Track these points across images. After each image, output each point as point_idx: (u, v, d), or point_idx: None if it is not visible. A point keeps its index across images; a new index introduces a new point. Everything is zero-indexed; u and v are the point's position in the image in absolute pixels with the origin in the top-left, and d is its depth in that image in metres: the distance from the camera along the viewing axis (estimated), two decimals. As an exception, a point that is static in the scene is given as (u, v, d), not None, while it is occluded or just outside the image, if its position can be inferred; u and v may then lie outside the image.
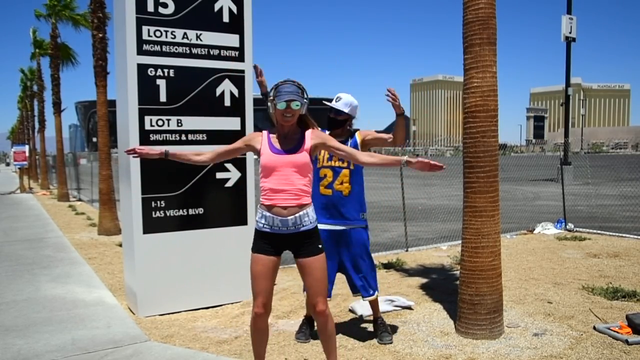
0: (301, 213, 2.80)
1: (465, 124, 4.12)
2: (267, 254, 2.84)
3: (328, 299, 4.21)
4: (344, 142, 3.99)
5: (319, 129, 3.03)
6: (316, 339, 4.02)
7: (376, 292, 4.05)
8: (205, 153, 3.06)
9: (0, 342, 4.11)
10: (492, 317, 4.00)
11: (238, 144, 3.01)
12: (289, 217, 2.78)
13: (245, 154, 5.20)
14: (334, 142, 2.99)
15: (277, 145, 2.87)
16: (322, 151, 3.99)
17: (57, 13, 17.74)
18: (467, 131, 4.09)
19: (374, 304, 4.10)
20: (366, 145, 4.04)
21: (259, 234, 2.88)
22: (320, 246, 2.88)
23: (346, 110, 3.97)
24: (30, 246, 8.55)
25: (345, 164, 3.92)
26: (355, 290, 4.05)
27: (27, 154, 24.04)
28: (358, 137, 4.04)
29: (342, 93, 4.08)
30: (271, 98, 2.84)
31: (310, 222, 2.84)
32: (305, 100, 2.87)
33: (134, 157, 3.11)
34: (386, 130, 4.57)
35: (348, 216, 3.90)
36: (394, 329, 4.24)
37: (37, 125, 27.74)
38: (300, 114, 2.88)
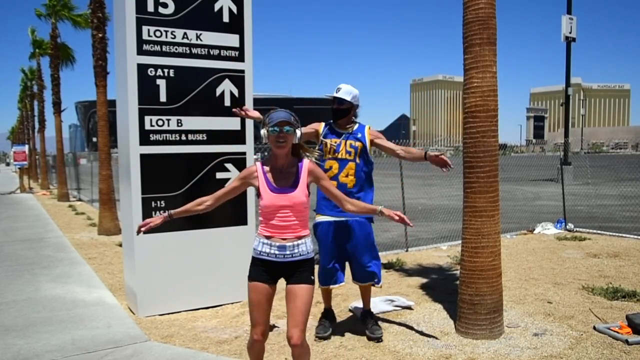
0: (299, 242, 2.82)
1: (465, 124, 4.12)
2: (264, 281, 2.84)
3: (340, 284, 4.26)
4: (355, 134, 4.06)
5: (314, 158, 2.99)
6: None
7: (380, 283, 4.15)
8: (206, 200, 3.02)
9: (0, 342, 4.11)
10: (492, 317, 4.00)
11: (235, 183, 2.95)
12: (287, 244, 2.80)
13: (245, 156, 5.21)
14: (327, 183, 2.97)
15: (273, 182, 2.82)
16: (329, 144, 4.03)
17: (56, 13, 17.74)
18: (467, 131, 4.09)
19: (368, 295, 4.18)
20: (373, 145, 4.12)
21: (255, 261, 2.88)
22: (312, 277, 2.87)
23: (348, 99, 4.01)
24: (30, 246, 8.55)
25: (351, 157, 3.96)
26: (357, 278, 4.11)
27: (27, 154, 24.04)
28: (367, 134, 4.08)
29: (341, 84, 4.13)
30: (264, 124, 2.85)
31: (307, 252, 2.85)
32: (297, 127, 2.83)
33: (144, 233, 3.13)
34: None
35: None
36: (394, 329, 4.23)
37: (37, 125, 27.76)
38: (294, 143, 2.85)
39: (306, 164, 2.88)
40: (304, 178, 2.83)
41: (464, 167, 4.13)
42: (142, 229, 3.00)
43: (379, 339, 3.97)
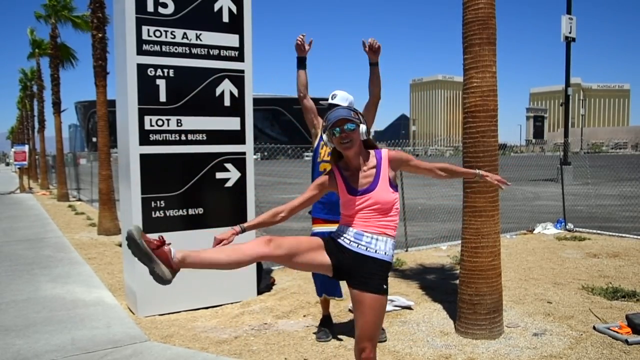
0: (380, 237, 2.48)
1: (465, 124, 4.12)
2: (327, 249, 2.47)
3: (340, 298, 4.18)
4: None
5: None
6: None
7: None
8: (281, 212, 2.61)
9: (0, 342, 4.11)
10: (491, 317, 4.00)
11: (313, 191, 2.63)
12: (366, 233, 2.47)
13: (245, 156, 5.21)
14: (416, 162, 2.63)
15: (354, 184, 2.53)
16: (323, 145, 3.96)
17: (56, 13, 17.73)
18: (466, 131, 4.09)
19: None
20: None
21: (329, 237, 2.57)
22: (385, 286, 2.47)
23: (345, 105, 3.97)
24: (30, 246, 8.55)
25: None
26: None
27: (27, 154, 24.05)
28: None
29: (336, 90, 4.08)
30: (325, 128, 2.55)
31: (386, 253, 2.48)
32: (361, 121, 2.54)
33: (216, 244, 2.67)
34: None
35: None
36: (394, 329, 4.24)
37: (36, 125, 27.76)
38: (363, 139, 2.55)
39: (384, 154, 2.57)
40: (384, 171, 2.52)
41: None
42: (216, 243, 2.64)
43: (382, 341, 3.95)
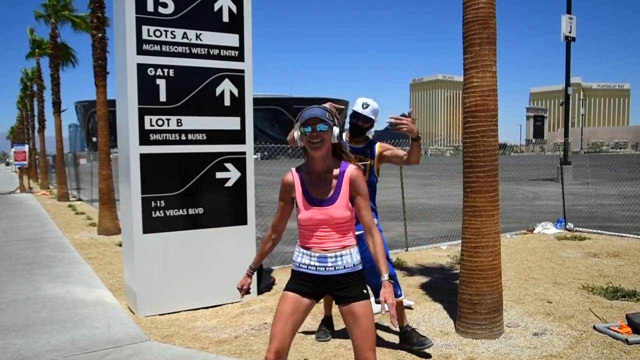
0: (343, 252, 2.45)
1: (465, 123, 4.12)
2: (299, 293, 2.47)
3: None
4: (365, 149, 3.90)
5: (356, 163, 2.55)
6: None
7: (402, 295, 3.91)
8: (270, 235, 2.67)
9: (0, 342, 4.11)
10: (492, 317, 4.00)
11: (280, 203, 2.58)
12: (329, 255, 2.44)
13: (245, 156, 5.21)
14: (363, 202, 2.48)
15: (312, 192, 2.46)
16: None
17: (56, 13, 17.73)
18: (467, 131, 4.09)
19: (401, 309, 3.89)
20: (382, 159, 3.92)
21: (294, 274, 2.54)
22: (365, 291, 2.47)
23: (374, 118, 3.88)
24: (30, 246, 8.55)
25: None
26: (378, 294, 3.99)
27: (27, 154, 24.06)
28: (378, 148, 3.93)
29: (366, 99, 3.87)
30: (297, 125, 2.48)
31: (354, 264, 2.47)
32: (335, 124, 2.44)
33: (243, 294, 2.73)
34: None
35: None
36: (394, 328, 4.23)
37: (37, 125, 27.76)
38: (333, 142, 2.45)
39: (349, 170, 2.46)
40: (345, 189, 2.44)
41: (463, 167, 4.12)
42: (242, 293, 2.70)
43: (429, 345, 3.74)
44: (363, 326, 2.42)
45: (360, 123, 3.86)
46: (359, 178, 2.45)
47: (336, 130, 2.43)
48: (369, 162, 3.87)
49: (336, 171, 2.46)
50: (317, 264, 2.45)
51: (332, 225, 2.44)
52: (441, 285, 5.55)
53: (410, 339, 3.78)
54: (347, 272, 2.45)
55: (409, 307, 4.74)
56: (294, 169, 2.56)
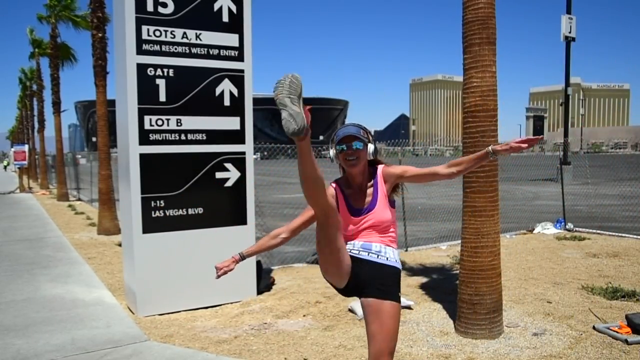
0: (387, 247, 2.46)
1: (464, 123, 4.12)
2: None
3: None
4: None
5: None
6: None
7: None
8: (280, 233, 2.58)
9: (0, 342, 4.11)
10: (491, 317, 4.00)
11: (311, 211, 2.46)
12: (373, 244, 2.44)
13: (244, 156, 5.21)
14: (414, 170, 2.45)
15: (354, 204, 2.48)
16: None
17: (57, 14, 17.72)
18: (466, 131, 4.09)
19: None
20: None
21: None
22: (399, 294, 2.44)
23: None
24: (29, 246, 8.55)
25: None
26: None
27: (26, 154, 24.06)
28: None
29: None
30: (332, 144, 2.50)
31: (395, 260, 2.45)
32: (369, 140, 2.48)
33: (220, 275, 2.64)
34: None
35: None
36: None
37: (36, 125, 27.76)
38: (369, 159, 2.49)
39: (379, 170, 2.49)
40: (381, 188, 2.46)
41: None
42: (219, 273, 2.62)
43: None
44: (387, 327, 2.35)
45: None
46: (386, 167, 2.48)
47: (371, 147, 2.48)
48: None
49: (372, 179, 2.50)
50: (360, 249, 2.43)
51: (377, 229, 2.46)
52: (441, 285, 5.55)
53: None
54: (387, 264, 2.41)
55: (409, 307, 4.74)
56: (334, 183, 2.55)
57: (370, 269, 2.39)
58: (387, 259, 2.42)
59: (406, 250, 7.50)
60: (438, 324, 4.35)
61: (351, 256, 2.40)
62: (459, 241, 4.36)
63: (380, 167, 2.50)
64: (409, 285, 5.53)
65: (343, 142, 2.44)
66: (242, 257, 2.61)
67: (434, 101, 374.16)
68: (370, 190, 2.47)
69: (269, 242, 2.59)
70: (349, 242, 2.47)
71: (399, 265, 2.47)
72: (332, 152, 2.50)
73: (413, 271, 6.23)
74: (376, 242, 2.45)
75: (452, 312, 4.44)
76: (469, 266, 4.07)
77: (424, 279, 5.82)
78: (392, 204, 2.49)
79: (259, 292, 5.35)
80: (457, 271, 5.11)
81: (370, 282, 2.38)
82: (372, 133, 2.59)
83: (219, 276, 2.60)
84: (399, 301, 2.41)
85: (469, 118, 4.05)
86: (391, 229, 2.49)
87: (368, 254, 2.41)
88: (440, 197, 13.96)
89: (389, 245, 2.47)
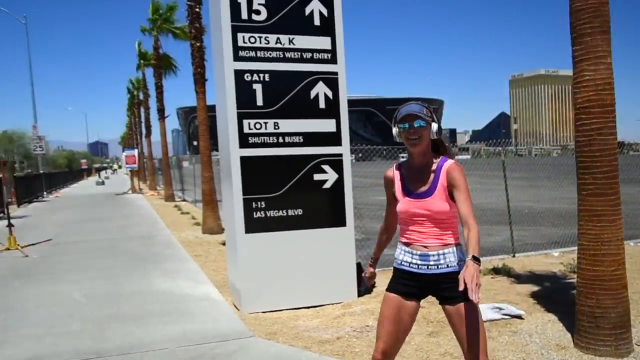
0: (445, 251, 2.40)
1: (577, 120, 3.77)
2: (401, 294, 2.46)
3: None
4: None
5: (454, 159, 2.51)
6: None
7: None
8: (384, 227, 2.70)
9: (123, 330, 4.50)
10: (617, 333, 3.61)
11: (389, 198, 2.60)
12: (431, 253, 2.41)
13: (341, 157, 5.19)
14: (462, 190, 2.35)
15: (410, 185, 2.46)
16: None
17: (158, 27, 19.10)
18: (579, 129, 3.75)
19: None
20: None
21: (396, 272, 2.54)
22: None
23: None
24: (142, 243, 9.26)
25: None
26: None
27: (136, 157, 26.19)
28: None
29: None
30: (394, 122, 2.49)
31: (457, 264, 2.38)
32: (433, 120, 2.42)
33: (369, 277, 2.82)
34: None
35: None
36: (503, 338, 3.97)
37: (144, 131, 30.12)
38: (432, 138, 2.44)
39: (447, 164, 2.41)
40: (442, 182, 2.39)
41: (577, 168, 3.79)
42: (367, 277, 2.80)
43: None
44: (473, 325, 2.32)
45: None
46: (456, 171, 2.39)
47: (434, 126, 2.41)
48: None
49: (434, 166, 2.44)
50: (419, 262, 2.43)
51: (432, 220, 2.40)
52: (554, 294, 5.12)
53: None
54: (450, 271, 2.38)
55: (519, 317, 4.43)
56: (395, 165, 2.60)
57: (431, 281, 2.42)
58: (446, 266, 2.39)
59: (514, 256, 7.04)
60: (554, 336, 4.01)
61: (410, 272, 2.45)
62: (573, 248, 4.01)
63: (448, 163, 2.42)
64: (519, 294, 5.17)
65: (405, 120, 2.40)
66: (374, 260, 2.78)
67: (537, 97, 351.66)
68: (431, 177, 2.43)
69: (382, 238, 2.74)
70: (405, 248, 2.48)
71: (461, 266, 2.34)
72: (395, 130, 2.48)
73: (522, 279, 5.82)
74: (433, 246, 2.41)
75: (569, 324, 4.08)
76: (588, 276, 3.72)
77: (534, 287, 5.41)
78: (451, 197, 2.39)
79: (360, 294, 5.31)
80: (572, 280, 4.71)
81: (436, 292, 2.44)
82: (434, 111, 2.55)
83: (369, 283, 2.86)
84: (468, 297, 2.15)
85: (582, 115, 3.70)
86: (449, 222, 2.43)
87: (427, 267, 2.41)
88: (549, 200, 13.01)
89: (445, 245, 2.41)
